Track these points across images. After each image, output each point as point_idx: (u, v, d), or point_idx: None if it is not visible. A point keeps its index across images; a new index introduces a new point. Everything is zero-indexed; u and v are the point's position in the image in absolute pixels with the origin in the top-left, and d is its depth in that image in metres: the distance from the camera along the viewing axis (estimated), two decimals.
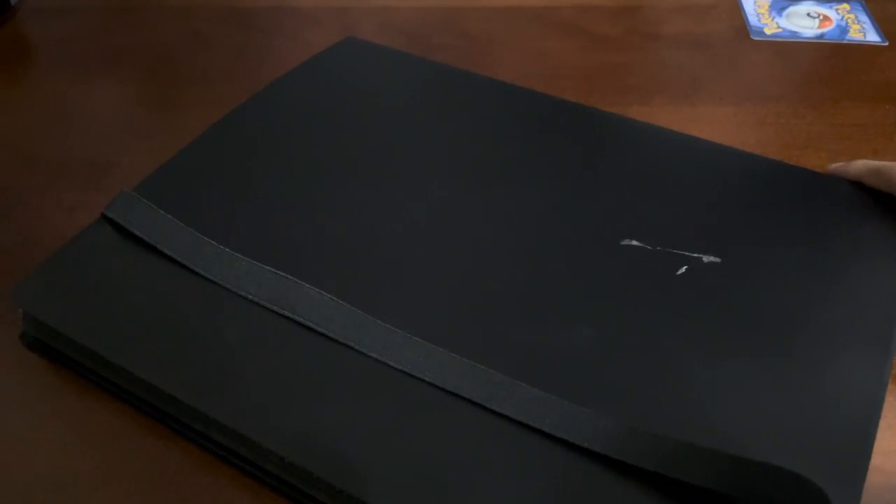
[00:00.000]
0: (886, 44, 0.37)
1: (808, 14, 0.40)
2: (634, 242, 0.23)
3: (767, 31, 0.38)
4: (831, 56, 0.37)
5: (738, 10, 0.40)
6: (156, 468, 0.21)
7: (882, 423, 0.21)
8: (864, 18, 0.39)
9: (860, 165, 0.26)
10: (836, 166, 0.27)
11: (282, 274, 0.22)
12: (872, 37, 0.38)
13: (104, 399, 0.22)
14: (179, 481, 0.20)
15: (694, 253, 0.23)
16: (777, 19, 0.39)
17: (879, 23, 0.39)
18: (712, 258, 0.23)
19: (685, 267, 0.23)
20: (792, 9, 0.40)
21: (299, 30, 0.38)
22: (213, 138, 0.27)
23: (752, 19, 0.39)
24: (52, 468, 0.21)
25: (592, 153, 0.27)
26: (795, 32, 0.38)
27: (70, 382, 0.22)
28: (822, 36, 0.38)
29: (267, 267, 0.22)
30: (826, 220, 0.25)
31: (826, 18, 0.39)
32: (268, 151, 0.27)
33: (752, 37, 0.38)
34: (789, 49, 0.37)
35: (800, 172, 0.27)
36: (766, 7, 0.40)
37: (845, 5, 0.40)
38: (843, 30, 0.38)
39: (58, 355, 0.22)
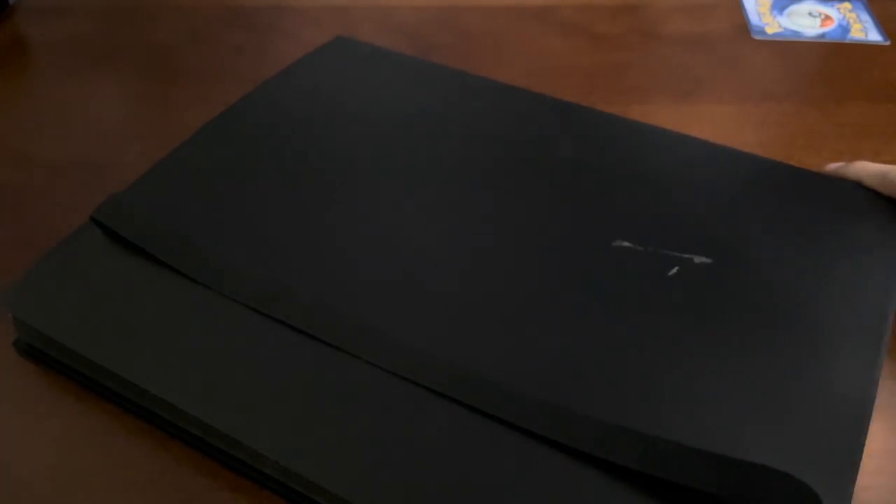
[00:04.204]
0: (888, 43, 0.37)
1: (810, 13, 0.40)
2: (626, 243, 0.23)
3: (769, 31, 0.38)
4: (833, 55, 0.37)
5: (740, 9, 0.40)
6: (154, 471, 0.20)
7: (882, 424, 0.21)
8: (866, 17, 0.39)
9: (860, 167, 0.26)
10: (834, 166, 0.27)
11: (273, 277, 0.22)
12: (874, 36, 0.38)
13: (100, 402, 0.22)
14: (178, 483, 0.20)
15: (685, 254, 0.23)
16: (778, 18, 0.39)
17: (881, 22, 0.39)
18: (703, 259, 0.23)
19: (676, 268, 0.22)
20: (793, 8, 0.40)
21: (298, 29, 0.38)
22: (203, 139, 0.27)
23: (754, 18, 0.39)
24: (49, 471, 0.20)
25: (585, 154, 0.27)
26: (797, 32, 0.38)
27: (66, 386, 0.22)
28: (823, 35, 0.38)
29: (258, 269, 0.22)
30: (818, 219, 0.25)
31: (827, 18, 0.39)
32: (258, 152, 0.27)
33: (753, 36, 0.38)
34: (791, 48, 0.37)
35: (792, 171, 0.27)
36: (768, 6, 0.40)
37: (847, 4, 0.40)
38: (845, 29, 0.38)
39: (51, 361, 0.22)
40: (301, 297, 0.22)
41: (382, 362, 0.20)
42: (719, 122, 0.33)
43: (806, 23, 0.39)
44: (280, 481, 0.19)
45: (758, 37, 0.38)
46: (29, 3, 0.40)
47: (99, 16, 0.39)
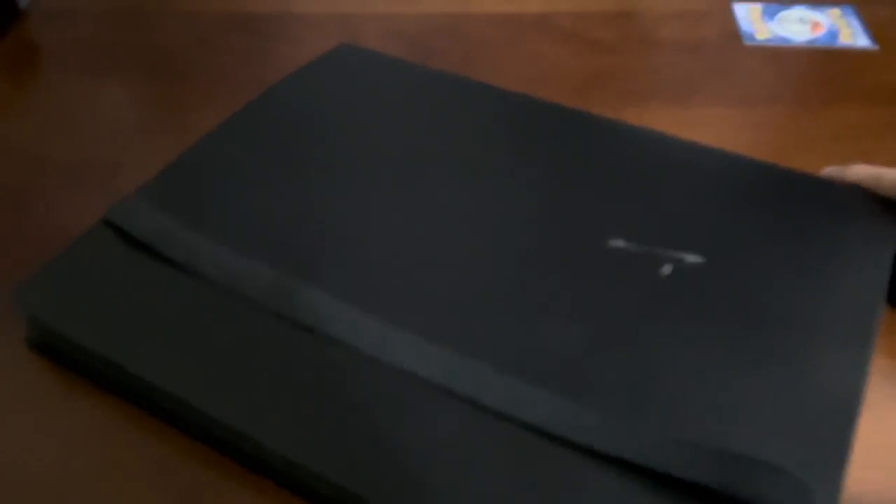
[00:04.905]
0: (877, 48, 0.38)
1: (800, 19, 0.40)
2: (620, 243, 0.23)
3: (759, 37, 0.39)
4: (823, 60, 0.37)
5: (731, 16, 0.41)
6: (161, 464, 0.21)
7: (871, 418, 0.22)
8: (855, 23, 0.40)
9: (858, 170, 0.26)
10: (831, 170, 0.27)
11: (280, 274, 0.23)
12: (863, 41, 0.39)
13: (110, 398, 0.22)
14: (184, 476, 0.21)
15: (678, 253, 0.23)
16: (769, 24, 0.40)
17: (869, 27, 0.40)
18: (696, 258, 0.23)
19: (670, 267, 0.23)
20: (783, 14, 0.41)
21: (303, 35, 0.39)
22: (211, 143, 0.28)
23: (744, 25, 0.40)
24: (59, 464, 0.21)
25: (580, 156, 0.28)
26: (787, 38, 0.39)
27: (75, 382, 0.23)
28: (813, 41, 0.39)
29: (266, 267, 0.23)
30: (809, 219, 0.25)
31: (817, 24, 0.40)
32: (264, 156, 0.27)
33: (744, 42, 0.39)
34: (781, 54, 0.38)
35: (783, 173, 0.27)
36: (758, 12, 0.41)
37: (836, 11, 0.41)
38: (834, 35, 0.39)
39: (62, 357, 0.23)
40: (310, 296, 0.22)
41: (386, 356, 0.21)
42: (712, 125, 0.33)
43: (796, 29, 0.40)
44: (285, 473, 0.20)
45: (749, 43, 0.39)
46: (40, 8, 0.41)
47: (108, 21, 0.40)
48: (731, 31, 0.39)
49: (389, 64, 0.32)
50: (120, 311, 0.22)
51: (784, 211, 0.25)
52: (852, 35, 0.39)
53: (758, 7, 0.41)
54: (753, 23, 0.40)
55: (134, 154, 0.31)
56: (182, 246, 0.23)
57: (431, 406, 0.20)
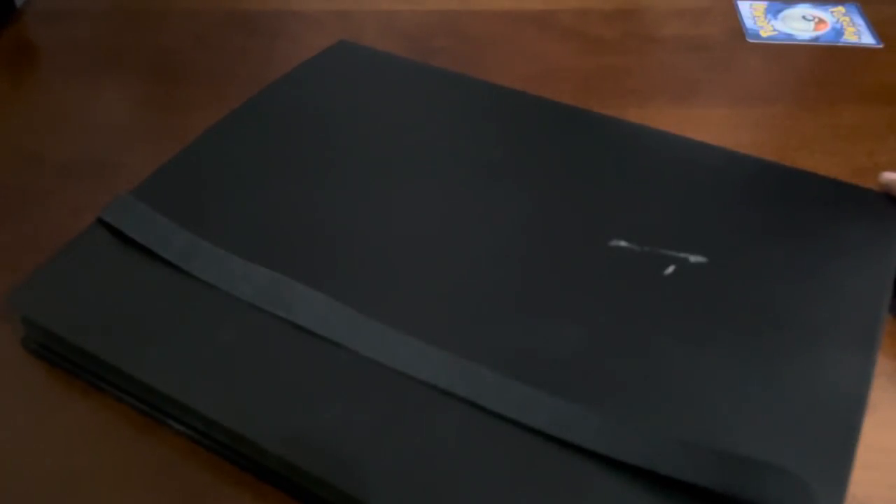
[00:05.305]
0: (881, 46, 0.38)
1: (804, 17, 0.40)
2: (623, 243, 0.23)
3: (763, 34, 0.39)
4: (826, 58, 0.37)
5: (734, 13, 0.40)
6: (159, 466, 0.21)
7: (875, 420, 0.22)
8: (859, 21, 0.40)
9: None
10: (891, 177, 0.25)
11: (277, 274, 0.23)
12: (867, 39, 0.38)
13: (105, 400, 0.22)
14: (182, 479, 0.21)
15: (681, 253, 0.23)
16: (773, 22, 0.40)
17: (874, 25, 0.39)
18: (699, 258, 0.23)
19: (672, 267, 0.23)
20: (787, 11, 0.41)
21: (302, 33, 0.39)
22: (208, 141, 0.28)
23: (748, 22, 0.40)
24: (56, 467, 0.21)
25: (582, 155, 0.28)
26: (791, 35, 0.39)
27: (72, 383, 0.23)
28: (817, 38, 0.39)
29: (262, 268, 0.23)
30: (813, 219, 0.25)
31: (821, 21, 0.40)
32: (262, 153, 0.27)
33: (747, 39, 0.38)
34: (785, 51, 0.38)
35: (787, 172, 0.27)
36: (762, 10, 0.41)
37: (840, 8, 0.41)
38: (839, 32, 0.39)
39: (58, 359, 0.23)
40: (306, 296, 0.22)
41: (384, 358, 0.21)
42: (714, 124, 0.33)
43: (800, 26, 0.39)
44: (284, 476, 0.20)
45: (752, 40, 0.38)
46: (36, 7, 0.40)
47: (104, 19, 0.40)
48: (735, 29, 0.39)
49: (389, 61, 0.32)
50: (116, 311, 0.22)
51: (788, 211, 0.25)
52: (857, 33, 0.39)
53: (762, 4, 0.41)
54: (757, 20, 0.40)
55: (134, 154, 0.31)
56: (177, 245, 0.23)
57: (431, 409, 0.20)
